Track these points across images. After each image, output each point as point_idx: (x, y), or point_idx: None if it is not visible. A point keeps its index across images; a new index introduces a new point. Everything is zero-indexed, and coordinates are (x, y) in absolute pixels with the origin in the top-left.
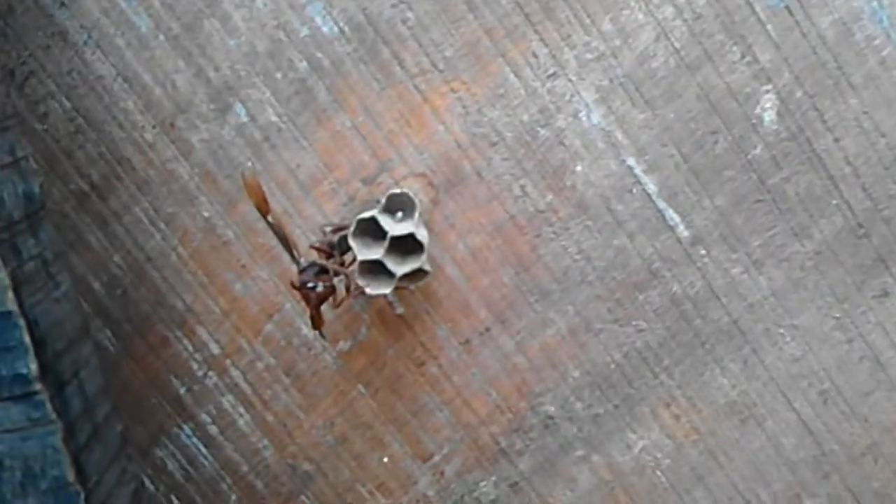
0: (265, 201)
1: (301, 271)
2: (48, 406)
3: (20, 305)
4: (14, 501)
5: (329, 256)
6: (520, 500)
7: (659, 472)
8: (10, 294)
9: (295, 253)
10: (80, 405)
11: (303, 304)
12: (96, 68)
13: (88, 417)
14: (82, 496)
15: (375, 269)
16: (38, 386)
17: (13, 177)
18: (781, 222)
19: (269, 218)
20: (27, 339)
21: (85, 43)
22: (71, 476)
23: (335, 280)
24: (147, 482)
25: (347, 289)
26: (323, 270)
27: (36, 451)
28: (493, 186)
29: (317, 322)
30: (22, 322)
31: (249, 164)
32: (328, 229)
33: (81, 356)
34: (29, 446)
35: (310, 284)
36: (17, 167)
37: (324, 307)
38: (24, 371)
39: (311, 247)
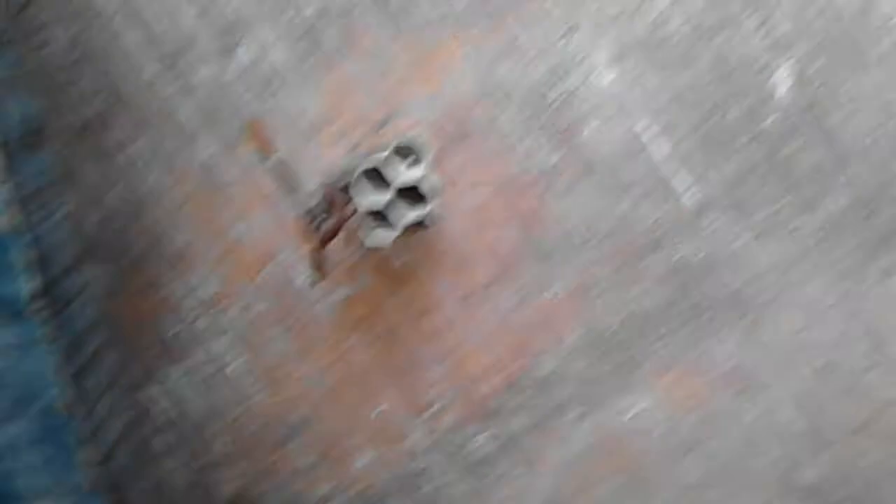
0: (268, 143)
1: (307, 211)
2: (49, 324)
3: (26, 220)
4: (6, 421)
5: (332, 203)
6: (511, 457)
7: (652, 438)
8: (15, 207)
9: (300, 192)
10: (81, 325)
11: (304, 246)
12: (98, 1)
13: (88, 340)
14: (77, 419)
15: (378, 219)
16: (39, 303)
17: (16, 92)
18: (789, 195)
19: (273, 158)
20: (29, 255)
21: None
22: (67, 398)
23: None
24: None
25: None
26: (331, 206)
27: (34, 369)
28: (501, 143)
29: (318, 262)
30: (26, 237)
31: (248, 103)
32: (330, 175)
33: (83, 282)
34: (27, 364)
35: (316, 223)
36: (16, 85)
37: (322, 255)
38: (27, 289)
39: (325, 195)
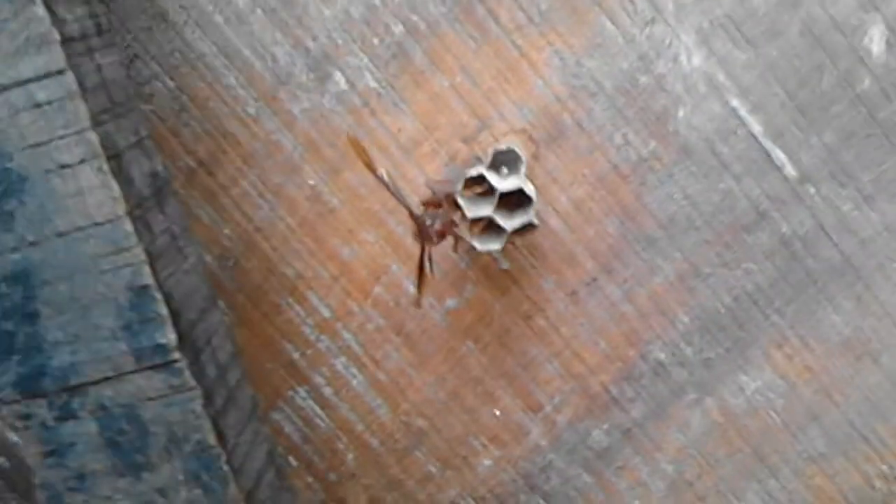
0: (370, 159)
1: (415, 218)
2: (187, 373)
3: (156, 279)
4: (161, 464)
5: (439, 205)
6: (633, 446)
7: (773, 413)
8: (147, 268)
9: (408, 205)
10: (214, 371)
11: (408, 266)
12: (197, 47)
13: (223, 382)
14: (223, 457)
15: (485, 226)
16: (177, 354)
17: (139, 156)
18: (893, 155)
19: (380, 173)
20: (164, 310)
21: (185, 22)
22: (212, 439)
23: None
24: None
25: (457, 239)
26: (437, 213)
27: (179, 417)
28: (595, 137)
29: (422, 276)
30: (159, 295)
31: (348, 128)
32: (435, 185)
33: (212, 324)
34: (172, 412)
35: (429, 222)
36: (142, 146)
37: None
38: (164, 341)
39: (422, 202)
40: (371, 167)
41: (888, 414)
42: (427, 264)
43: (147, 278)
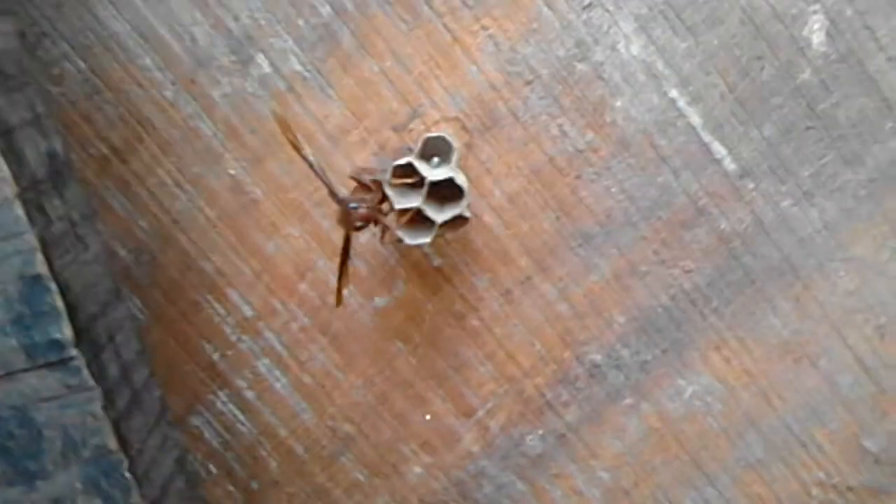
0: (297, 139)
1: (340, 201)
2: (85, 372)
3: (50, 268)
4: (55, 471)
5: (366, 189)
6: (568, 452)
7: (710, 418)
8: (40, 256)
9: (333, 189)
10: (117, 371)
11: (335, 262)
12: (111, 25)
13: (127, 383)
14: (125, 464)
15: (413, 218)
16: (73, 351)
17: (34, 134)
18: (833, 150)
19: (305, 152)
20: (60, 302)
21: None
22: (113, 444)
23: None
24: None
25: (384, 229)
26: (362, 199)
27: (76, 420)
28: (530, 127)
29: (344, 268)
30: (53, 285)
31: (273, 108)
32: (359, 170)
33: (116, 320)
34: (68, 414)
35: (352, 205)
36: (39, 124)
37: (357, 265)
38: (59, 336)
39: (351, 177)
40: (297, 146)
41: (826, 419)
42: (348, 255)
43: (40, 267)
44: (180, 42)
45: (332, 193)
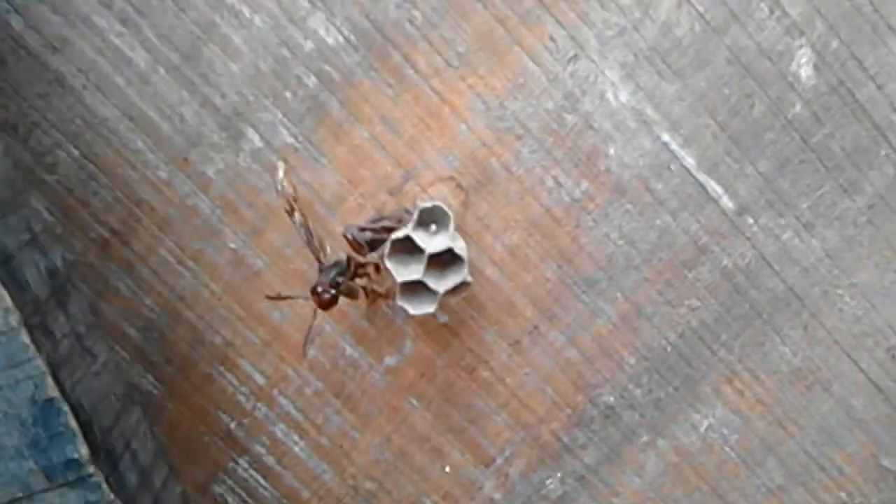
0: (294, 199)
1: (321, 270)
2: (104, 487)
3: (61, 389)
4: None
5: (357, 251)
6: (588, 492)
7: (728, 449)
8: (50, 380)
9: (319, 254)
10: (136, 478)
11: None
12: (100, 111)
13: (147, 487)
14: None
15: (416, 287)
16: (91, 469)
17: (34, 254)
18: (829, 180)
19: (296, 216)
20: (73, 422)
21: (84, 86)
22: None
23: (359, 282)
24: None
25: (370, 291)
26: (342, 272)
27: None
28: (525, 181)
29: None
30: (66, 406)
31: (280, 162)
32: (354, 229)
33: (129, 426)
34: None
35: (319, 289)
36: (36, 243)
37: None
38: (76, 455)
39: (343, 235)
40: (289, 208)
41: (843, 442)
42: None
43: (51, 391)
44: (170, 123)
45: (318, 260)
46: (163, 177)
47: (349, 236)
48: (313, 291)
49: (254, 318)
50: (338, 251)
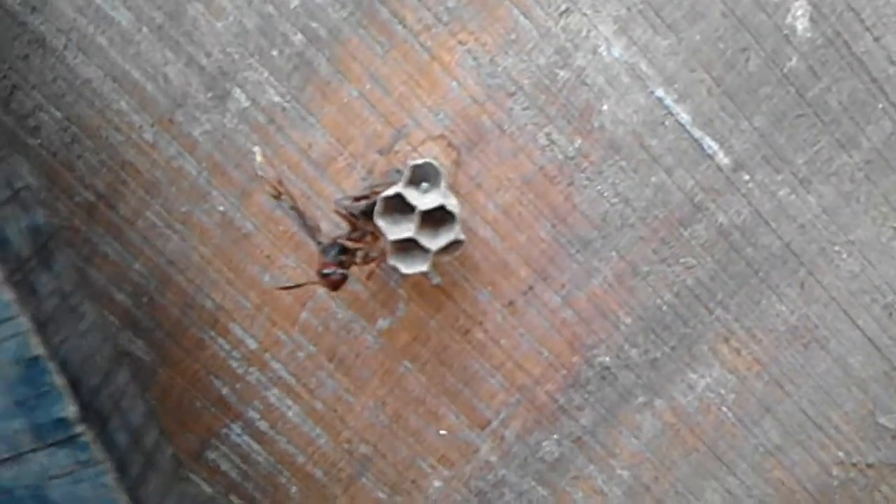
0: (279, 183)
1: (322, 251)
2: (94, 446)
3: (47, 347)
4: None
5: (353, 226)
6: (585, 454)
7: (725, 409)
8: (35, 338)
9: (316, 233)
10: (126, 438)
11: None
12: (82, 72)
13: (137, 448)
14: None
15: (408, 245)
16: (80, 427)
17: (15, 211)
18: (826, 135)
19: (284, 198)
20: (61, 381)
21: (65, 47)
22: None
23: (360, 254)
24: (204, 486)
25: (370, 259)
26: (344, 250)
27: (90, 494)
28: (517, 138)
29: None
30: (52, 365)
31: (255, 147)
32: (347, 201)
33: (118, 386)
34: (82, 489)
35: (325, 272)
36: (18, 199)
37: (357, 289)
38: (64, 414)
39: (336, 211)
40: (277, 193)
41: (840, 400)
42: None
43: (36, 348)
44: (154, 83)
45: (315, 241)
46: (148, 139)
47: (342, 211)
48: (320, 274)
49: (244, 282)
50: (332, 224)
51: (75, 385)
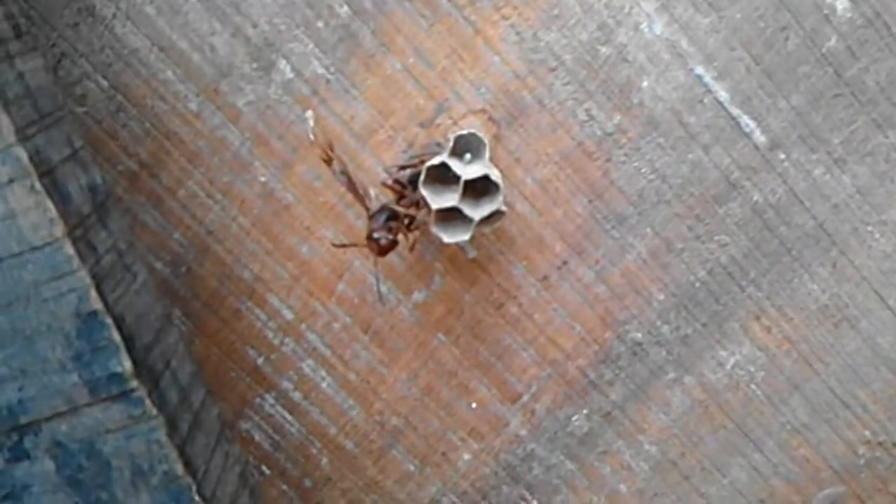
0: (331, 148)
1: (371, 217)
2: (147, 402)
3: (104, 303)
4: (126, 500)
5: (401, 195)
6: (614, 429)
7: (753, 386)
8: (94, 293)
9: (366, 200)
10: (176, 396)
11: (372, 258)
12: (129, 41)
13: (186, 407)
14: (193, 487)
15: (450, 215)
16: (134, 383)
17: (75, 169)
18: (862, 115)
19: (335, 165)
20: (117, 336)
21: (114, 16)
22: (180, 469)
23: (408, 220)
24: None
25: (416, 226)
26: (393, 216)
27: (142, 449)
28: (557, 114)
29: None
30: (109, 320)
31: (308, 112)
32: (394, 170)
33: (169, 345)
34: (134, 444)
35: (375, 236)
36: (77, 158)
37: (393, 261)
38: (119, 369)
39: (383, 183)
40: (328, 158)
41: (868, 379)
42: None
43: (95, 303)
44: (200, 53)
45: (364, 207)
46: (192, 108)
47: (389, 182)
48: (369, 237)
49: (282, 253)
50: (379, 194)
51: (129, 341)
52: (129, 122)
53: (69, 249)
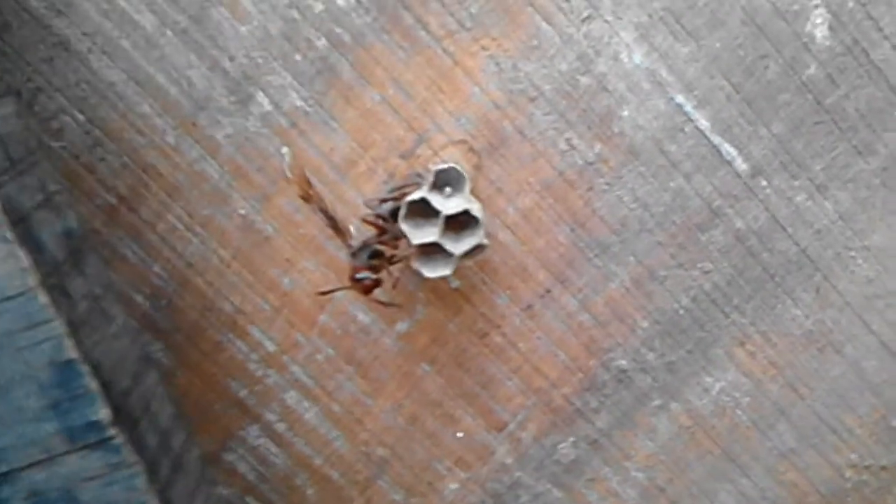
0: (308, 184)
1: (353, 254)
2: (125, 449)
3: (80, 350)
4: None
5: (381, 230)
6: (601, 456)
7: (739, 412)
8: (69, 341)
9: (346, 235)
10: (156, 439)
11: (354, 291)
12: (105, 75)
13: (166, 450)
14: None
15: (432, 249)
16: (112, 431)
17: (49, 215)
18: (843, 142)
19: (313, 201)
20: (94, 384)
21: (89, 50)
22: None
23: (390, 256)
24: (220, 488)
25: (397, 260)
26: (375, 254)
27: (121, 496)
28: (538, 143)
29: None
30: (85, 368)
31: (284, 148)
32: (374, 202)
33: (148, 388)
34: (113, 491)
35: (358, 276)
36: (52, 203)
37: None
38: (97, 417)
39: (363, 220)
40: (306, 196)
41: (854, 404)
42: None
43: (70, 352)
44: (177, 86)
45: (345, 244)
46: (171, 142)
47: (370, 218)
48: (352, 279)
49: (263, 285)
50: (360, 227)
51: (107, 388)
52: (106, 155)
53: (43, 298)
